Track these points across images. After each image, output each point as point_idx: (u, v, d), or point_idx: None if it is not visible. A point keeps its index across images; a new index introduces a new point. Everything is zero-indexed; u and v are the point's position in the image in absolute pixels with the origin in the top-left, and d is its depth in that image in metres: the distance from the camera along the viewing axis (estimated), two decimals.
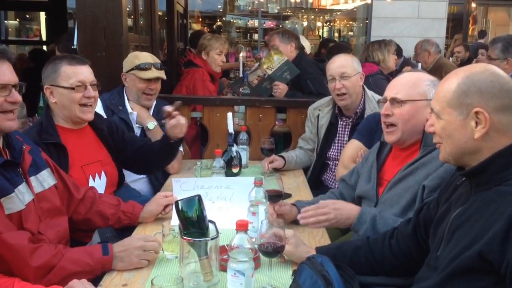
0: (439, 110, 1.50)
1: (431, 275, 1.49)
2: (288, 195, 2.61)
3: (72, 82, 2.34)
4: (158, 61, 3.09)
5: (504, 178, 1.38)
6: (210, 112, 3.65)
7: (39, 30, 11.70)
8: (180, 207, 1.61)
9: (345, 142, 3.09)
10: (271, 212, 2.12)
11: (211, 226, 1.63)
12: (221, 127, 3.50)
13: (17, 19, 12.66)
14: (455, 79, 1.47)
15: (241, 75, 5.23)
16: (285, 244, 1.71)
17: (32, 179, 1.88)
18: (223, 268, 1.64)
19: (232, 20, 16.11)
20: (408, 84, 2.10)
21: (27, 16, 12.68)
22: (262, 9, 13.38)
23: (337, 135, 3.18)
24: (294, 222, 2.21)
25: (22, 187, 1.77)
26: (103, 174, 2.50)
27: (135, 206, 2.27)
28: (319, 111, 3.27)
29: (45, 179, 1.95)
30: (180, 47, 6.78)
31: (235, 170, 2.91)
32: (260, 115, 3.65)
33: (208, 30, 13.81)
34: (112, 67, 3.29)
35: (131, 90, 3.05)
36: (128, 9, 3.97)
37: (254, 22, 14.92)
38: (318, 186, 3.13)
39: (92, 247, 1.84)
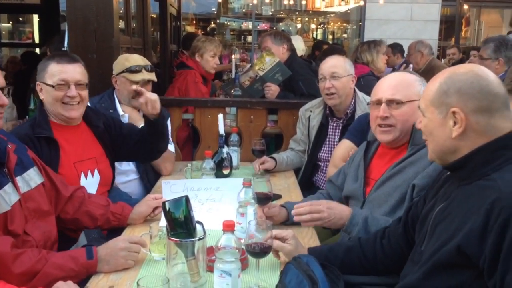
0: (424, 108, 1.54)
1: (414, 270, 1.50)
2: (278, 196, 2.62)
3: (55, 80, 2.33)
4: (148, 63, 3.07)
5: (485, 174, 1.39)
6: (202, 114, 3.66)
7: (32, 33, 11.66)
8: (167, 208, 1.60)
9: (335, 143, 3.10)
10: (260, 214, 2.11)
11: (198, 226, 1.62)
12: (212, 128, 3.49)
13: (10, 22, 12.62)
14: (439, 79, 1.49)
15: (233, 77, 5.23)
16: (272, 245, 1.71)
17: (18, 179, 1.86)
18: (210, 269, 1.63)
19: (226, 22, 16.07)
20: (402, 84, 2.11)
21: (20, 19, 12.63)
22: (256, 11, 13.35)
23: (328, 136, 3.19)
24: (283, 223, 2.21)
25: (8, 188, 1.76)
26: (96, 172, 2.48)
27: (125, 207, 2.27)
28: (310, 112, 3.27)
29: (31, 178, 1.94)
30: (173, 49, 6.78)
31: (225, 172, 2.90)
32: (252, 117, 3.66)
33: (202, 32, 13.79)
34: (103, 69, 3.28)
35: (122, 93, 3.03)
36: (120, 11, 3.96)
37: (248, 24, 14.88)
38: (309, 187, 3.13)
39: (76, 251, 1.81)
